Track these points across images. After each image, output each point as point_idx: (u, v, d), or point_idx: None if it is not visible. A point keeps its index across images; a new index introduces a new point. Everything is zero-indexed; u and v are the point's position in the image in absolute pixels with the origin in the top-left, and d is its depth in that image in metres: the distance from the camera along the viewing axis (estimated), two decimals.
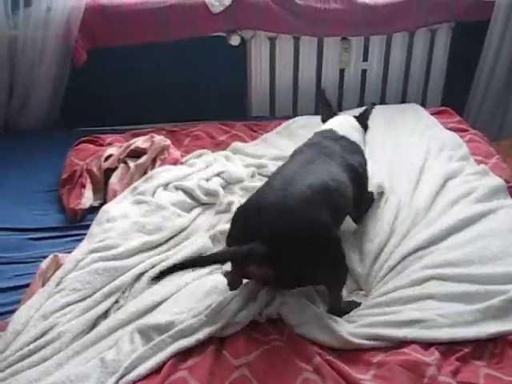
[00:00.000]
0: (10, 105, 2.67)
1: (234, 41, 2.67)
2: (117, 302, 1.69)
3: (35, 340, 1.53)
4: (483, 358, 1.53)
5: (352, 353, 1.52)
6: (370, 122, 2.09)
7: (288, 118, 2.68)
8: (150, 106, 2.73)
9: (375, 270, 1.81)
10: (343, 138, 1.90)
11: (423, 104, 2.92)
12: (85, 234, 1.98)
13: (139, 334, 1.53)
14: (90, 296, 1.66)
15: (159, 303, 1.64)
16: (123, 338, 1.53)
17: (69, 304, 1.64)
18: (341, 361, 1.49)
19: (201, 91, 2.80)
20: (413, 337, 1.54)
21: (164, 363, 1.46)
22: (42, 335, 1.55)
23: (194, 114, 2.67)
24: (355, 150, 1.90)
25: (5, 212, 2.09)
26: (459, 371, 1.48)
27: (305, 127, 2.43)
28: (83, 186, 2.21)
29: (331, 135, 1.90)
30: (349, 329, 1.56)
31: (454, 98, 2.97)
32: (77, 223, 2.07)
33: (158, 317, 1.58)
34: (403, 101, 2.96)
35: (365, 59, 2.86)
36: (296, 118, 2.63)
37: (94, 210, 2.10)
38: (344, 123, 1.98)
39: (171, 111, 2.70)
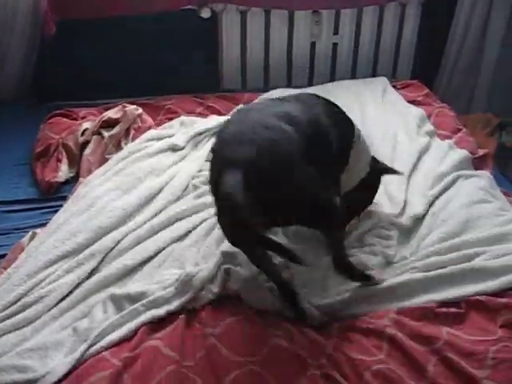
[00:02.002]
0: None
1: (205, 13, 2.68)
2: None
3: (16, 301, 1.58)
4: (447, 319, 1.60)
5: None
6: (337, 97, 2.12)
7: (259, 90, 2.71)
8: (122, 79, 2.73)
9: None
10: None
11: (394, 77, 2.97)
12: (60, 206, 2.00)
13: (112, 303, 1.58)
14: (72, 254, 1.72)
15: (131, 270, 1.68)
16: (97, 306, 1.58)
17: (51, 262, 1.69)
18: (308, 327, 1.56)
19: (172, 64, 2.80)
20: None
21: (135, 332, 1.51)
22: (22, 297, 1.60)
23: (166, 87, 2.68)
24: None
25: None
26: (420, 327, 1.55)
27: None
28: (59, 160, 2.23)
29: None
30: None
31: (424, 71, 3.02)
32: (50, 196, 2.09)
33: (130, 286, 1.64)
34: (374, 74, 3.00)
35: (335, 33, 2.89)
36: (272, 91, 2.63)
37: (67, 182, 2.14)
38: None
39: (143, 84, 2.71)
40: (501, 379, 1.44)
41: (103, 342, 1.47)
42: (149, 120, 2.43)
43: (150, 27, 2.73)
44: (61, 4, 2.54)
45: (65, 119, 2.43)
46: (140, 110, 2.42)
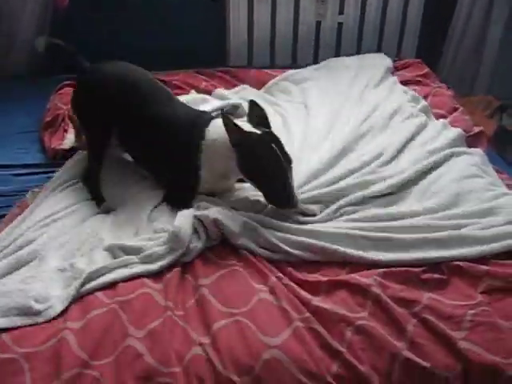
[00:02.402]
0: None
1: None
2: None
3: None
4: (430, 285, 1.66)
5: (304, 275, 1.67)
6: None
7: (264, 67, 2.79)
8: (130, 54, 2.79)
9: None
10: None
11: (398, 57, 3.01)
12: None
13: (109, 252, 1.69)
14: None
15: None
16: (96, 250, 1.69)
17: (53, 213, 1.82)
18: (294, 283, 1.64)
19: (180, 40, 2.87)
20: (352, 254, 1.71)
21: (128, 279, 1.61)
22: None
23: (174, 62, 2.75)
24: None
25: None
26: (403, 291, 1.62)
27: None
28: (65, 131, 2.31)
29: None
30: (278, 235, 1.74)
31: (428, 52, 3.07)
32: (56, 161, 2.18)
33: (126, 241, 1.74)
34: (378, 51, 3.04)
35: (341, 12, 2.94)
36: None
37: (72, 150, 2.21)
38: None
39: (151, 60, 2.77)
40: (477, 340, 1.50)
41: (96, 282, 1.58)
42: None
43: (160, 3, 2.79)
44: None
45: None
46: None
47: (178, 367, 1.40)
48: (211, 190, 1.94)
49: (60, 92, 2.50)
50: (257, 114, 1.88)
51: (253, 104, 1.90)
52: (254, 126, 1.83)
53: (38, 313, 1.49)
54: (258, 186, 1.82)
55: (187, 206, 1.85)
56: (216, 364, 1.41)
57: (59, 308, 1.52)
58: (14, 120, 2.40)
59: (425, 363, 1.47)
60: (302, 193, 1.91)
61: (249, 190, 1.93)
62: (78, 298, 1.56)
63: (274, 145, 1.76)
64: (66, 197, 1.94)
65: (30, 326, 1.48)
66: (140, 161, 2.05)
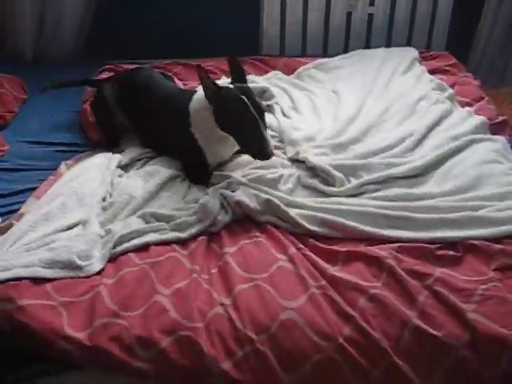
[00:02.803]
0: (40, 38, 2.91)
1: None
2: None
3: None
4: (444, 261, 1.74)
5: (323, 247, 1.76)
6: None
7: (296, 56, 2.88)
8: (168, 40, 2.94)
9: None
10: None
11: (428, 48, 3.07)
12: None
13: (142, 218, 1.83)
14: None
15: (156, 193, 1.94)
16: (132, 218, 1.82)
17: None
18: (314, 253, 1.73)
19: (216, 29, 2.99)
20: (371, 232, 1.79)
21: (159, 244, 1.74)
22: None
23: (208, 50, 2.87)
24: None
25: (35, 130, 2.38)
26: (417, 265, 1.70)
27: None
28: None
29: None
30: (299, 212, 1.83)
31: (458, 44, 3.12)
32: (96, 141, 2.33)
33: (157, 208, 1.87)
34: (408, 46, 3.10)
35: (371, 4, 3.01)
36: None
37: None
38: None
39: (187, 46, 2.92)
40: (486, 313, 1.57)
41: (129, 244, 1.72)
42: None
43: None
44: None
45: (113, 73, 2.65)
46: None
47: (200, 323, 1.51)
48: (218, 159, 2.10)
49: (101, 75, 2.64)
50: (235, 71, 2.03)
51: (231, 60, 2.04)
52: (231, 82, 2.01)
53: (79, 268, 1.64)
54: (235, 138, 1.96)
55: (205, 182, 2.02)
56: (236, 322, 1.52)
57: (98, 266, 1.67)
58: (61, 101, 2.55)
59: (434, 331, 1.54)
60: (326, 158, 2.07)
61: (263, 169, 2.04)
62: (114, 258, 1.70)
63: (243, 96, 1.88)
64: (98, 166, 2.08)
65: (71, 278, 1.62)
66: (153, 144, 2.23)
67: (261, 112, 1.92)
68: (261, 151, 1.91)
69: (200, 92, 2.02)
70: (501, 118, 2.41)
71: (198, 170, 2.08)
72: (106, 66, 2.70)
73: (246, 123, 1.89)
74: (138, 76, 2.30)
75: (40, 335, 1.46)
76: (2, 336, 1.49)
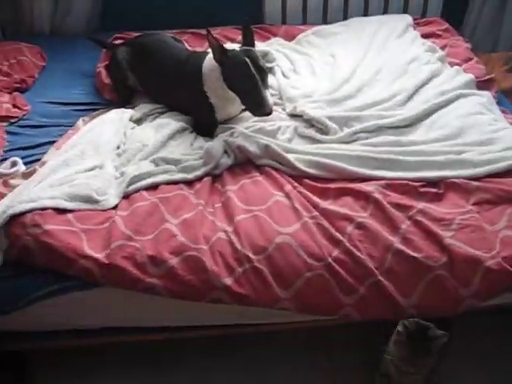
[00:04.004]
0: (56, 12, 3.10)
1: None
2: None
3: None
4: (426, 197, 1.91)
5: (316, 185, 1.94)
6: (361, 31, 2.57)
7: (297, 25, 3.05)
8: (176, 11, 3.12)
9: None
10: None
11: (423, 16, 3.21)
12: None
13: (153, 162, 2.02)
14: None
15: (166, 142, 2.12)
16: (144, 161, 2.01)
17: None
18: (307, 190, 1.92)
19: (220, 1, 3.16)
20: (361, 172, 1.96)
21: (167, 184, 1.93)
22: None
23: (214, 20, 3.03)
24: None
25: (54, 92, 2.56)
26: (401, 200, 1.87)
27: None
28: None
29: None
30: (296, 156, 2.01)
31: (453, 11, 3.25)
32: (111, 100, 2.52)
33: (167, 154, 2.06)
34: (404, 13, 3.24)
35: None
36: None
37: None
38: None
39: (194, 16, 3.09)
40: (462, 238, 1.75)
41: (141, 184, 1.91)
42: None
43: None
44: None
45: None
46: None
47: (204, 245, 1.71)
48: (226, 116, 2.28)
49: (114, 43, 2.82)
50: (246, 37, 2.20)
51: (245, 27, 2.21)
52: (242, 46, 2.18)
53: (97, 202, 1.84)
54: (238, 96, 2.13)
55: (211, 134, 2.21)
56: (236, 244, 1.71)
57: (113, 202, 1.87)
58: (77, 67, 2.74)
59: (414, 254, 1.72)
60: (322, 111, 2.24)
61: (264, 122, 2.22)
62: (127, 195, 1.90)
63: (247, 58, 2.06)
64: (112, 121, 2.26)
65: (90, 210, 1.82)
66: (164, 102, 2.40)
67: (262, 73, 2.09)
68: (260, 108, 2.08)
69: (211, 54, 2.20)
70: (488, 76, 2.56)
71: (206, 125, 2.27)
72: (117, 35, 2.88)
73: (246, 82, 2.07)
74: (151, 40, 2.48)
75: (63, 254, 1.66)
76: (28, 256, 1.69)
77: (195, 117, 2.30)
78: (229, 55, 2.12)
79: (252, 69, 2.06)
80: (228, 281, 1.66)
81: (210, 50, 2.20)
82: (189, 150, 2.10)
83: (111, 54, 2.54)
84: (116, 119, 2.24)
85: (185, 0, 3.16)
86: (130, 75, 2.46)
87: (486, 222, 1.82)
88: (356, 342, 2.09)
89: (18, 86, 2.56)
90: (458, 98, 2.36)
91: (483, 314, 1.94)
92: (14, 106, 2.42)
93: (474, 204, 1.89)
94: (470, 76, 2.48)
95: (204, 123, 2.27)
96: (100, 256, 1.67)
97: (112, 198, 1.86)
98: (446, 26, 2.96)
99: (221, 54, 2.12)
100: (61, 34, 3.13)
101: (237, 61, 2.09)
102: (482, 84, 2.51)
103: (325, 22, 3.21)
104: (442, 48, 2.75)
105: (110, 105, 2.47)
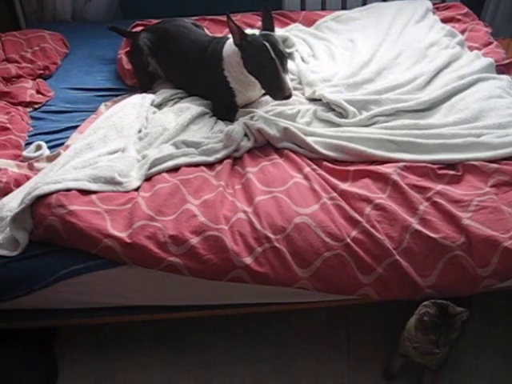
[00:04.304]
0: (77, 0, 3.15)
1: None
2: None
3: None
4: (445, 179, 1.92)
5: (335, 168, 1.96)
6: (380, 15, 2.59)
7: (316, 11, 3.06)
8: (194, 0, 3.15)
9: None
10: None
11: (443, 1, 3.19)
12: None
13: (174, 145, 2.05)
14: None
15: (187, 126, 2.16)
16: (165, 145, 2.05)
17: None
18: (326, 172, 1.94)
19: None
20: (379, 155, 1.97)
21: (188, 166, 1.96)
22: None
23: (233, 6, 3.05)
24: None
25: (77, 78, 2.63)
26: (419, 181, 1.89)
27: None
28: None
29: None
30: (315, 139, 2.03)
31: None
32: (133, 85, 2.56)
33: (187, 137, 2.09)
34: None
35: None
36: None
37: None
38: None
39: (213, 3, 3.12)
40: (480, 219, 1.76)
41: (162, 166, 1.94)
42: None
43: None
44: None
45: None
46: None
47: (225, 225, 1.74)
48: (246, 100, 2.31)
49: (134, 30, 2.86)
50: (266, 21, 2.22)
51: (264, 11, 2.23)
52: (262, 31, 2.21)
53: (119, 183, 1.88)
54: (258, 80, 2.16)
55: (231, 118, 2.23)
56: (256, 224, 1.74)
57: (136, 184, 1.91)
58: (98, 54, 2.80)
59: (432, 234, 1.74)
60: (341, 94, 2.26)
61: (283, 105, 2.24)
62: (149, 178, 1.93)
63: (266, 43, 2.09)
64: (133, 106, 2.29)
65: (113, 192, 1.86)
66: (184, 87, 2.43)
67: (282, 57, 2.12)
68: (279, 92, 2.10)
69: (232, 39, 2.21)
70: (508, 61, 2.54)
71: (227, 109, 2.29)
72: (137, 22, 2.91)
73: (266, 66, 2.09)
74: (172, 25, 2.51)
75: (87, 233, 1.70)
76: (53, 236, 1.74)
77: (216, 101, 2.32)
78: (248, 39, 2.14)
79: (271, 52, 2.08)
80: (248, 260, 1.69)
81: (230, 35, 2.22)
82: (209, 134, 2.13)
83: (132, 41, 2.57)
84: (137, 104, 2.27)
85: None
86: (151, 61, 2.49)
87: (504, 203, 1.82)
88: (375, 322, 2.12)
89: (42, 72, 2.62)
90: (477, 81, 2.35)
91: (502, 296, 1.95)
92: (38, 92, 2.48)
93: (492, 186, 1.89)
94: (489, 60, 2.47)
95: (224, 107, 2.29)
96: (123, 235, 1.71)
97: (134, 181, 1.90)
98: (466, 10, 2.94)
99: (240, 39, 2.14)
100: (82, 20, 3.18)
101: (256, 45, 2.11)
102: (501, 68, 2.50)
103: (344, 7, 3.22)
104: (462, 32, 2.74)
105: (131, 90, 2.52)
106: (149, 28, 2.61)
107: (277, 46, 2.12)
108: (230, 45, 2.24)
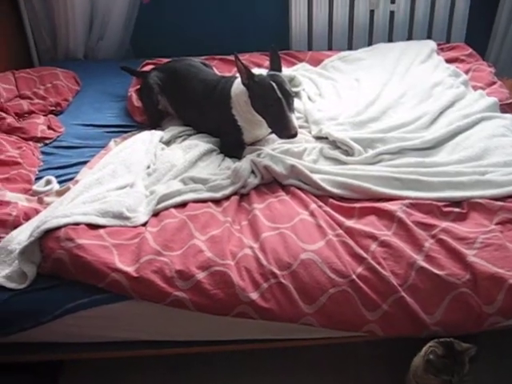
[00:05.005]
0: (89, 38, 3.23)
1: None
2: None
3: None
4: (450, 216, 1.94)
5: (340, 205, 1.98)
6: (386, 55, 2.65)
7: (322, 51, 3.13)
8: (203, 38, 3.23)
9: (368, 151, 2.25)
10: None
11: (447, 42, 3.25)
12: None
13: (181, 181, 2.09)
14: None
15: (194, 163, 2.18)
16: (173, 181, 2.08)
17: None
18: (332, 209, 1.96)
19: (247, 27, 3.26)
20: (385, 192, 2.00)
21: (195, 202, 1.99)
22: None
23: (241, 46, 3.12)
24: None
25: (88, 114, 2.69)
26: (425, 218, 1.90)
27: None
28: None
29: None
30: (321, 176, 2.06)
31: (477, 38, 3.29)
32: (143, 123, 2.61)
33: (195, 173, 2.12)
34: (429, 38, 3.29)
35: (392, 1, 3.23)
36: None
37: None
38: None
39: (222, 43, 3.19)
40: (485, 256, 1.76)
41: (170, 202, 1.97)
42: None
43: None
44: None
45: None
46: None
47: (231, 260, 1.75)
48: (254, 138, 2.36)
49: (143, 69, 2.92)
50: (273, 61, 2.28)
51: (272, 52, 2.29)
52: (269, 71, 2.26)
53: (127, 218, 1.91)
54: (264, 119, 2.21)
55: (238, 156, 2.26)
56: (262, 260, 1.75)
57: (143, 219, 1.93)
58: (109, 91, 2.86)
59: (437, 271, 1.74)
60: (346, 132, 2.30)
61: (290, 144, 2.27)
62: (157, 213, 1.96)
63: (273, 82, 2.14)
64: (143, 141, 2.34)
65: (121, 226, 1.88)
66: (193, 124, 2.48)
67: (288, 96, 2.16)
68: (285, 130, 2.15)
69: (239, 79, 2.26)
70: (511, 100, 2.58)
71: (234, 147, 2.33)
72: (147, 61, 2.98)
73: (272, 105, 2.14)
74: (181, 64, 2.57)
75: (95, 267, 1.72)
76: (61, 269, 1.75)
77: (224, 138, 2.36)
78: (255, 79, 2.19)
79: (278, 92, 2.13)
80: (254, 295, 1.69)
81: (238, 75, 2.27)
82: (217, 171, 2.16)
83: (143, 79, 2.63)
84: (146, 140, 2.31)
85: (213, 27, 3.27)
86: (161, 99, 2.55)
87: (510, 240, 1.83)
88: (383, 359, 2.10)
89: (53, 108, 2.68)
90: (481, 120, 2.39)
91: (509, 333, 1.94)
92: (49, 127, 2.54)
93: (497, 224, 1.90)
94: (493, 99, 2.51)
95: (232, 145, 2.33)
96: (130, 269, 1.72)
97: (142, 216, 1.93)
98: (470, 51, 3.00)
99: (248, 78, 2.19)
100: (94, 58, 3.26)
101: (263, 84, 2.16)
102: (505, 107, 2.54)
103: (350, 47, 3.29)
104: (466, 72, 2.79)
105: (140, 127, 2.57)
106: (159, 67, 2.68)
107: (283, 85, 2.16)
108: (238, 84, 2.28)
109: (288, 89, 2.18)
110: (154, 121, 2.55)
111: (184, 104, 2.49)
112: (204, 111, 2.40)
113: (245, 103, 2.25)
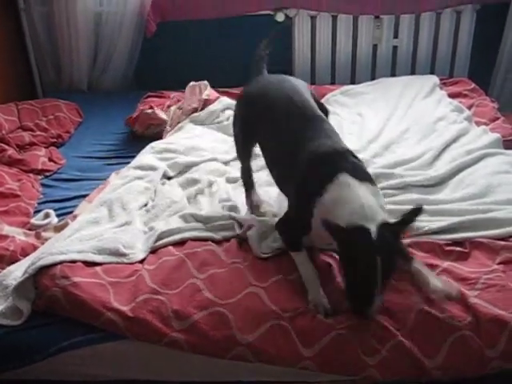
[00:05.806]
0: (93, 70, 3.26)
1: (279, 17, 3.15)
2: None
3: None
4: (452, 255, 1.91)
5: None
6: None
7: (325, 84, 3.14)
8: (206, 73, 3.23)
9: None
10: None
11: (450, 77, 3.26)
12: None
13: (182, 218, 2.06)
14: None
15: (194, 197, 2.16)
16: (173, 217, 2.06)
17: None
18: None
19: (250, 61, 3.26)
20: None
21: (195, 240, 1.96)
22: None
23: (244, 80, 3.14)
24: None
25: (88, 146, 2.72)
26: (426, 258, 1.87)
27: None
28: None
29: None
30: None
31: (479, 73, 3.30)
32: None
33: (196, 210, 2.10)
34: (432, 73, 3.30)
35: (395, 36, 3.25)
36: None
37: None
38: None
39: (224, 78, 3.20)
40: (487, 298, 1.72)
41: (168, 239, 1.95)
42: (214, 93, 2.93)
43: (233, 29, 3.22)
44: (160, 9, 3.11)
45: (156, 98, 2.96)
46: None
47: (230, 301, 1.72)
48: (312, 243, 1.89)
49: (145, 100, 2.94)
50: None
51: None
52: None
53: (124, 255, 1.88)
54: (344, 271, 1.71)
55: (289, 248, 1.87)
56: (264, 301, 1.72)
57: (140, 256, 1.91)
58: (111, 123, 2.88)
59: (438, 313, 1.70)
60: None
61: None
62: (155, 250, 1.94)
63: (379, 257, 1.54)
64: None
65: (117, 264, 1.86)
66: (271, 174, 2.06)
67: (389, 272, 1.60)
68: (358, 307, 1.67)
69: (338, 183, 1.67)
70: None
71: (291, 231, 1.87)
72: (149, 93, 2.99)
73: (361, 279, 1.59)
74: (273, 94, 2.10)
75: (90, 306, 1.69)
76: (55, 307, 1.73)
77: (288, 215, 1.89)
78: (351, 241, 1.58)
79: (378, 271, 1.55)
80: (251, 337, 1.66)
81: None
82: (218, 208, 2.14)
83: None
84: (148, 176, 2.30)
85: (215, 61, 3.28)
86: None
87: None
88: None
89: (55, 140, 2.69)
90: (484, 156, 2.38)
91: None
92: (50, 159, 2.54)
93: (499, 263, 1.87)
94: (496, 135, 2.51)
95: (290, 228, 1.88)
96: (125, 309, 1.69)
97: (139, 253, 1.91)
98: (473, 85, 3.00)
99: (342, 239, 1.61)
100: (97, 90, 3.27)
101: (362, 254, 1.57)
102: (508, 143, 2.52)
103: (353, 82, 3.29)
104: (469, 107, 2.79)
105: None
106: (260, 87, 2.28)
107: (389, 255, 1.58)
108: (333, 195, 1.67)
109: (393, 263, 1.62)
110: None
111: (269, 147, 2.03)
112: (289, 173, 1.87)
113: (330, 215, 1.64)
